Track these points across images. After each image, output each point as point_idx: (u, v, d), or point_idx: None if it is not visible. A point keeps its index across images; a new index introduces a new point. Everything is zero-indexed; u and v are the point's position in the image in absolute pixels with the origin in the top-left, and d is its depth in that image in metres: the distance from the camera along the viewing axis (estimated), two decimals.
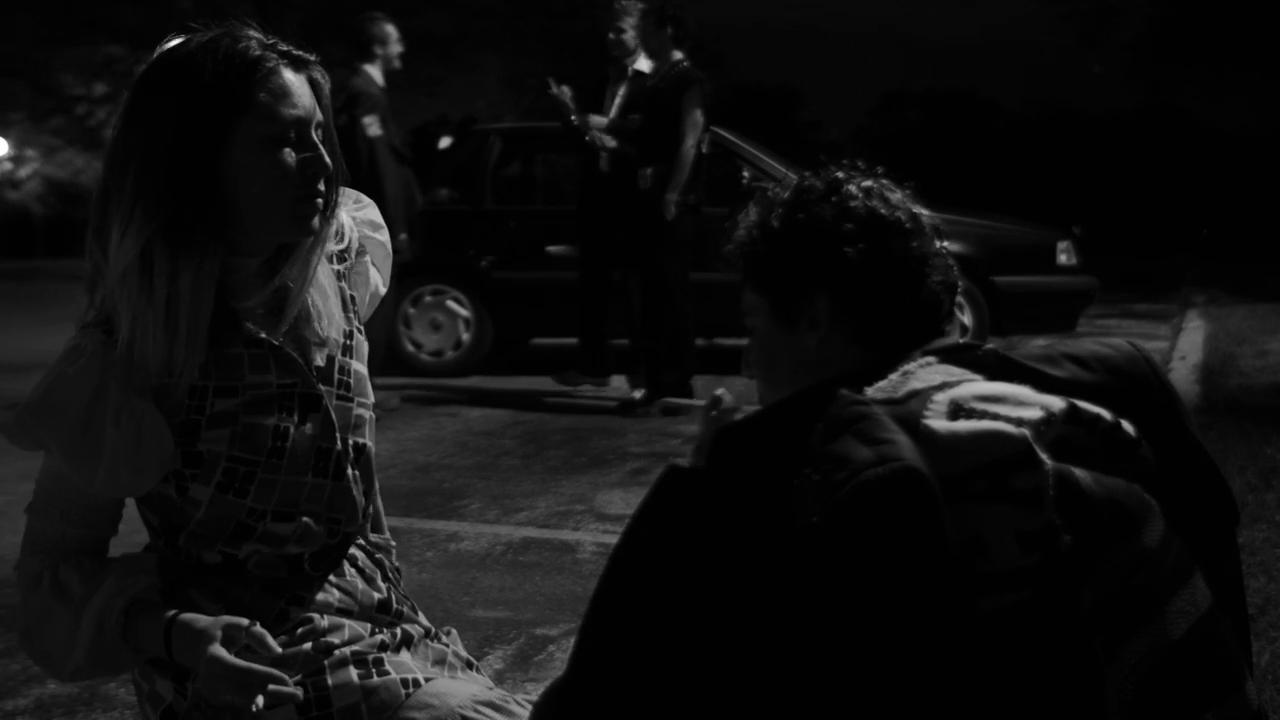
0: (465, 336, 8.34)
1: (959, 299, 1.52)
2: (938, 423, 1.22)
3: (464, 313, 8.38)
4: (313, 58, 1.58)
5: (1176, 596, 1.20)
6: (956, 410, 1.24)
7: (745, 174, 8.88)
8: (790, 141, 38.14)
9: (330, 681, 1.56)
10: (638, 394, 6.82)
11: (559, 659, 3.04)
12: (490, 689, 1.68)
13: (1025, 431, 1.20)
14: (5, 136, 33.76)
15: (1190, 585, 1.22)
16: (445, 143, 9.86)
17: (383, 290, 1.79)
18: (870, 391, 1.29)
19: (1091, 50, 25.16)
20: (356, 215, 1.75)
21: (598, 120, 6.83)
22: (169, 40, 1.56)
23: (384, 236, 1.78)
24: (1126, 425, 1.28)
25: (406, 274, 7.14)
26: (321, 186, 1.56)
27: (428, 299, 8.28)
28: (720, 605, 1.15)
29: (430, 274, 8.21)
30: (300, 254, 1.60)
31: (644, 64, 6.91)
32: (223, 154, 1.50)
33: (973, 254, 8.19)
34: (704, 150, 6.66)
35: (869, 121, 67.14)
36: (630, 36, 6.90)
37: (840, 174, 1.46)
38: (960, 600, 1.14)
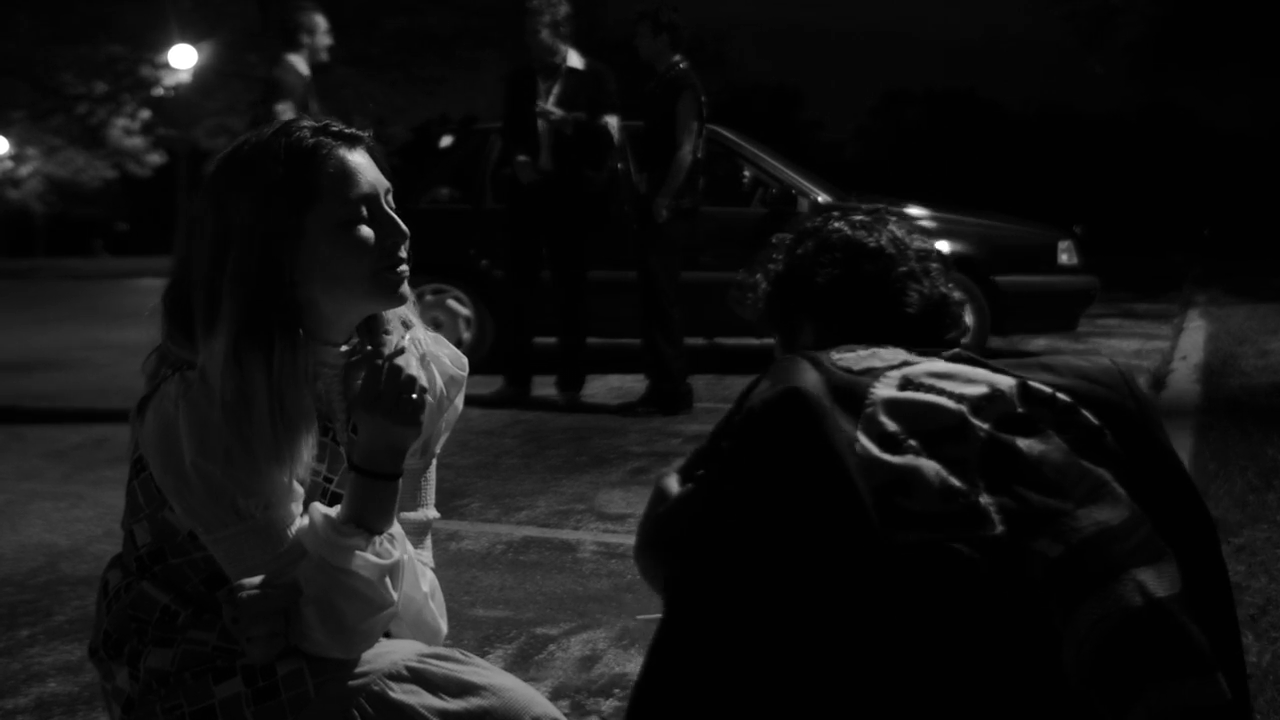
0: (466, 336, 8.34)
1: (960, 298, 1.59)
2: (884, 391, 1.32)
3: (464, 312, 8.38)
4: (365, 134, 1.61)
5: (1140, 570, 1.23)
6: (905, 384, 1.34)
7: (745, 174, 8.90)
8: (790, 141, 38.11)
9: None
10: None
11: (559, 658, 3.04)
12: (438, 646, 1.70)
13: (963, 407, 1.30)
14: (6, 135, 33.75)
15: (1158, 567, 1.24)
16: (446, 142, 9.85)
17: (436, 449, 1.78)
18: (834, 355, 1.38)
19: (1092, 51, 25.15)
20: (451, 373, 1.75)
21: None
22: (228, 145, 1.60)
23: (459, 402, 1.78)
24: (1087, 413, 1.33)
25: None
26: (403, 253, 1.59)
27: (428, 298, 8.27)
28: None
29: (430, 273, 8.21)
30: (379, 326, 1.64)
31: (576, 60, 6.85)
32: (299, 249, 1.53)
33: (974, 254, 8.19)
34: (699, 155, 6.66)
35: (869, 121, 67.20)
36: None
37: (838, 213, 1.60)
38: (863, 515, 1.22)
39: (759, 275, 1.61)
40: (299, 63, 6.71)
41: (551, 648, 3.13)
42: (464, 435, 6.04)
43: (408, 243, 1.60)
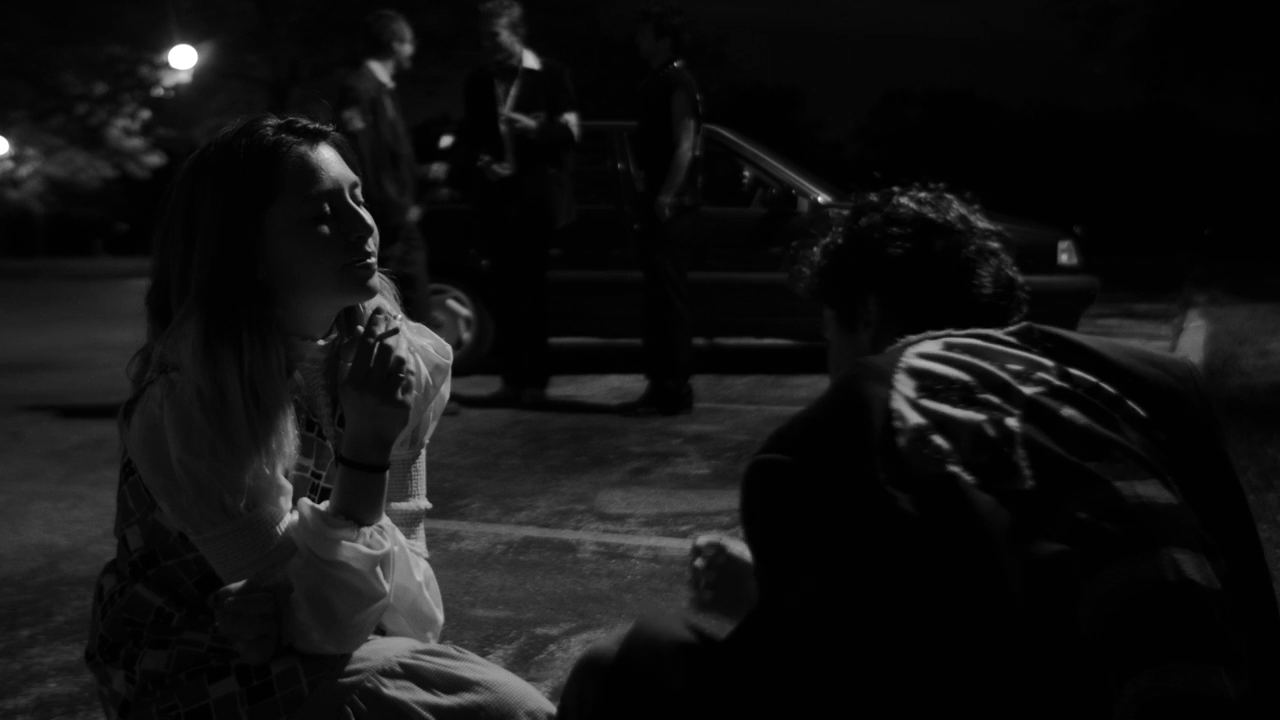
0: (466, 336, 8.34)
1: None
2: (927, 347, 1.34)
3: (464, 312, 8.38)
4: (329, 128, 1.61)
5: (1179, 551, 1.20)
6: (949, 347, 1.35)
7: (746, 174, 8.89)
8: (790, 141, 38.12)
9: None
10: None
11: (559, 659, 3.03)
12: (434, 639, 1.71)
13: (1005, 375, 1.30)
14: (6, 135, 33.75)
15: (1198, 557, 1.21)
16: (446, 142, 9.82)
17: (425, 439, 1.77)
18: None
19: (1092, 50, 25.12)
20: (436, 361, 1.74)
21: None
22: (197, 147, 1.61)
23: (445, 391, 1.76)
24: (1134, 404, 1.31)
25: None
26: (370, 247, 1.59)
27: None
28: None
29: (430, 273, 8.20)
30: (357, 319, 1.63)
31: (532, 60, 6.85)
32: (261, 246, 1.54)
33: None
34: (697, 153, 6.67)
35: (869, 121, 67.18)
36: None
37: (897, 188, 1.55)
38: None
39: (814, 249, 1.57)
40: (379, 70, 6.68)
41: (551, 648, 3.13)
42: (464, 435, 6.04)
43: (374, 236, 1.60)
